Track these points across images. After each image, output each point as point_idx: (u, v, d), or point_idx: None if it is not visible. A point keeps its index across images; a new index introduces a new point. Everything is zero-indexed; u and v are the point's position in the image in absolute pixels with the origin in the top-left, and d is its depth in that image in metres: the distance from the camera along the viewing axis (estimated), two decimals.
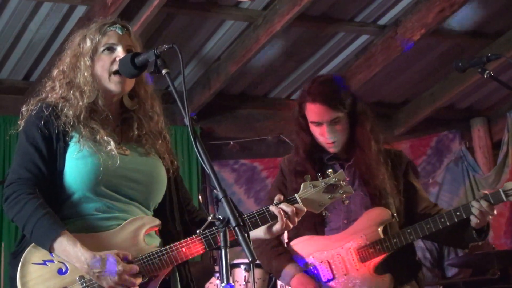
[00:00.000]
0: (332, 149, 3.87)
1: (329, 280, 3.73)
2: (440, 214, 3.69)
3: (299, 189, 3.05)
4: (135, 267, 2.77)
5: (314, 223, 3.79)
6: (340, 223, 3.79)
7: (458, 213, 3.64)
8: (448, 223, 3.65)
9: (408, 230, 3.69)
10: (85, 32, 3.02)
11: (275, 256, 3.85)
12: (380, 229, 3.71)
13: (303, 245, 3.83)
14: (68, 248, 2.73)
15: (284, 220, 2.90)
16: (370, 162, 3.80)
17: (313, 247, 3.79)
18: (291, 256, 3.84)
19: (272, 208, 2.91)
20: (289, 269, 3.79)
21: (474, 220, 3.63)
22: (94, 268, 2.71)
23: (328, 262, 3.75)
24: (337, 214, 3.80)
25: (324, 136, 3.83)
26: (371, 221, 3.72)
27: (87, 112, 2.92)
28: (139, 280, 2.78)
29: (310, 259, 3.80)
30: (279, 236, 3.53)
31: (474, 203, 3.62)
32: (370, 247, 3.69)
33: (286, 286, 3.90)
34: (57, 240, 2.73)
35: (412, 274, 3.84)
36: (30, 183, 2.82)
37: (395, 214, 3.74)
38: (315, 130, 3.86)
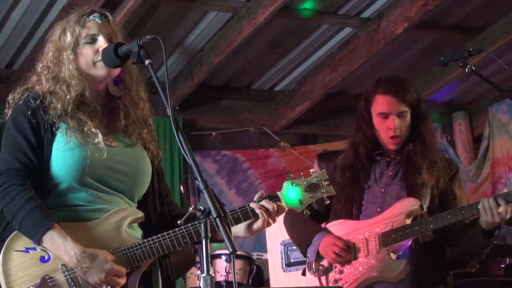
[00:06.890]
0: (393, 146, 4.00)
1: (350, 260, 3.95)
2: (462, 207, 3.73)
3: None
4: (123, 270, 2.79)
5: (351, 210, 3.98)
6: (374, 210, 3.96)
7: (478, 207, 3.64)
8: (467, 215, 3.69)
9: (430, 219, 3.77)
10: (64, 24, 2.99)
11: (306, 227, 4.10)
12: (408, 219, 3.84)
13: (336, 228, 4.03)
14: (58, 241, 2.73)
15: (265, 217, 2.91)
16: (428, 158, 3.93)
17: (343, 230, 3.99)
18: (322, 228, 4.07)
19: (253, 205, 2.92)
20: (320, 235, 4.00)
21: (482, 218, 3.65)
22: (83, 263, 2.72)
23: (354, 244, 3.93)
24: (373, 202, 3.97)
25: (391, 128, 3.95)
26: (400, 210, 3.86)
27: (75, 104, 2.91)
28: (123, 281, 2.80)
29: None
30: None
31: (486, 200, 3.62)
32: (393, 233, 3.83)
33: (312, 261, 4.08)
34: (47, 233, 2.73)
35: (440, 278, 3.92)
36: (21, 173, 2.81)
37: (424, 206, 3.84)
38: (381, 123, 3.98)
